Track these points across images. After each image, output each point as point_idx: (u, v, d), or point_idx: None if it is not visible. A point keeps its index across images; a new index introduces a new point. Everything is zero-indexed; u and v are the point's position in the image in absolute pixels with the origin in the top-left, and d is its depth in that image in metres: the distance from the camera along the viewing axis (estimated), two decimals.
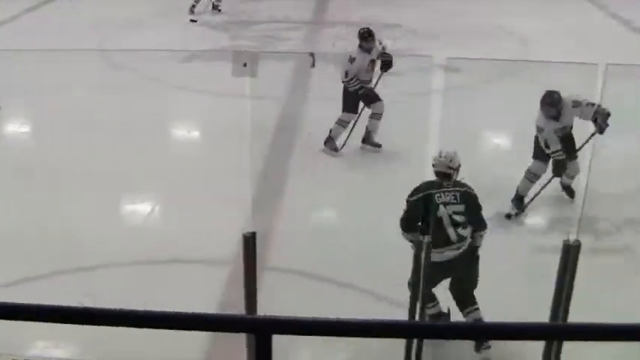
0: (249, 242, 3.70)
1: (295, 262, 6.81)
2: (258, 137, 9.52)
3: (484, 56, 12.07)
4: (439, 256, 5.34)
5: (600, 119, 7.32)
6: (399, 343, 4.70)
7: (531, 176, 7.82)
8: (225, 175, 8.22)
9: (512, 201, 7.85)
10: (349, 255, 6.93)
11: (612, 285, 6.43)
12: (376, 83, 9.26)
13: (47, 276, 6.70)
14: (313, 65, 11.35)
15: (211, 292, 6.45)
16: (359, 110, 9.29)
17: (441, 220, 5.61)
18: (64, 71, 12.08)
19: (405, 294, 4.93)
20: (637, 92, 10.63)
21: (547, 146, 7.57)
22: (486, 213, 5.91)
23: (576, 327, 2.19)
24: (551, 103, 7.60)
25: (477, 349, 5.58)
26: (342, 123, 9.32)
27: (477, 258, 5.76)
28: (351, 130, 9.29)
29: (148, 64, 12.53)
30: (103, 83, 11.92)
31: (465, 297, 5.74)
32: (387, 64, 9.15)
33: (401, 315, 4.76)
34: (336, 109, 9.37)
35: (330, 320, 2.30)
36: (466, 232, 5.68)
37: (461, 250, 5.66)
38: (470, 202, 5.74)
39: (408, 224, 5.66)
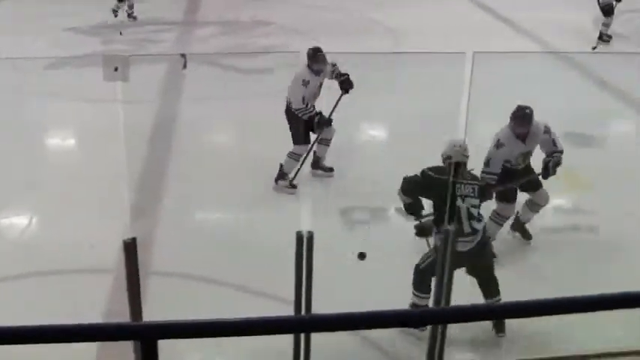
0: (130, 248, 3.64)
1: (178, 266, 6.77)
2: (133, 142, 9.35)
3: (357, 50, 12.24)
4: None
5: (552, 164, 6.65)
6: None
7: (499, 218, 7.03)
8: (103, 181, 8.08)
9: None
10: (231, 255, 6.94)
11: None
12: (335, 106, 8.32)
13: None
14: (185, 67, 11.26)
15: (96, 301, 6.31)
16: (311, 140, 8.36)
17: (459, 212, 5.63)
18: None
19: (285, 290, 4.88)
20: (503, 77, 11.03)
21: (487, 163, 6.53)
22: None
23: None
24: (524, 119, 6.61)
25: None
26: (294, 157, 8.30)
27: (490, 245, 5.94)
28: (303, 162, 8.40)
29: (8, 73, 12.01)
30: None
31: (487, 285, 5.76)
32: (346, 83, 8.19)
33: (284, 311, 4.75)
34: (210, 108, 9.26)
35: (215, 321, 2.29)
36: (480, 225, 5.73)
37: (474, 244, 5.67)
38: (483, 197, 5.88)
39: (411, 190, 5.79)
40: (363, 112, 10.31)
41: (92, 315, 6.04)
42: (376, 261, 6.29)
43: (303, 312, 3.70)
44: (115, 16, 15.22)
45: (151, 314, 3.93)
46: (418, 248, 6.17)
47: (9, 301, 6.32)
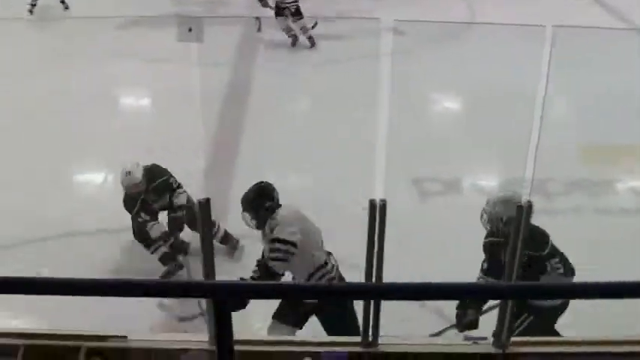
0: (205, 208, 3.69)
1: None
2: (207, 104, 9.44)
3: (431, 19, 12.08)
4: None
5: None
6: None
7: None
8: (177, 142, 8.16)
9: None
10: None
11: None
12: None
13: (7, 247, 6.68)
14: (259, 30, 11.26)
15: None
16: None
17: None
18: None
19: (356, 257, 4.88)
20: (583, 54, 10.74)
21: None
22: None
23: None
24: None
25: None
26: None
27: None
28: None
29: (80, 33, 12.12)
30: (38, 53, 11.56)
31: None
32: None
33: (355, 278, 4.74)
34: (283, 73, 9.22)
35: (283, 284, 2.35)
36: None
37: None
38: None
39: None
40: (438, 81, 10.22)
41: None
42: (446, 233, 6.27)
43: (373, 279, 3.71)
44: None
45: (221, 274, 4.00)
46: None
47: (85, 254, 6.52)
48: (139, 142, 8.62)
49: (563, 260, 5.18)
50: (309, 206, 6.87)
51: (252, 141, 8.77)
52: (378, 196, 3.60)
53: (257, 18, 11.45)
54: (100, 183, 8.03)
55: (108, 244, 6.88)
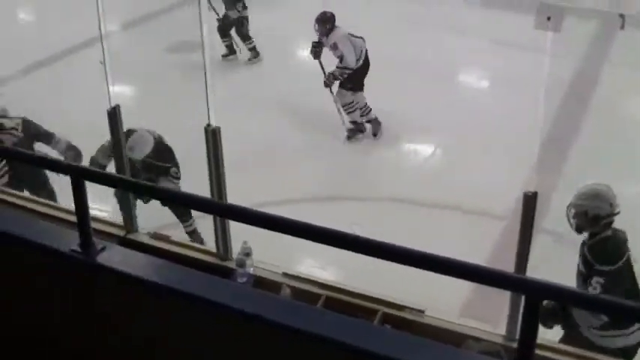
0: (530, 201, 3.53)
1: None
2: (549, 95, 9.05)
3: None
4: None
5: None
6: None
7: None
8: (513, 128, 7.96)
9: None
10: None
11: None
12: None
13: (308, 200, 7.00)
14: (622, 27, 10.61)
15: (479, 243, 6.38)
16: None
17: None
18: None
19: None
20: None
21: None
22: None
23: None
24: None
25: None
26: None
27: None
28: None
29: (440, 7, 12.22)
30: (408, 21, 11.75)
31: None
32: None
33: None
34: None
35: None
36: None
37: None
38: None
39: None
40: None
41: (471, 256, 6.09)
42: None
43: None
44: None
45: (531, 271, 3.80)
46: None
47: (392, 220, 6.60)
48: (474, 122, 8.54)
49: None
50: None
51: (588, 141, 8.32)
52: None
53: (622, 15, 10.79)
54: (428, 155, 8.09)
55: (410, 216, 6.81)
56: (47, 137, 6.58)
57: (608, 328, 4.49)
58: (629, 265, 4.58)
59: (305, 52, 8.96)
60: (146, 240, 4.82)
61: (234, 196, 4.09)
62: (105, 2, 4.40)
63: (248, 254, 4.55)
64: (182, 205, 5.71)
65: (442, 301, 5.34)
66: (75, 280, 2.84)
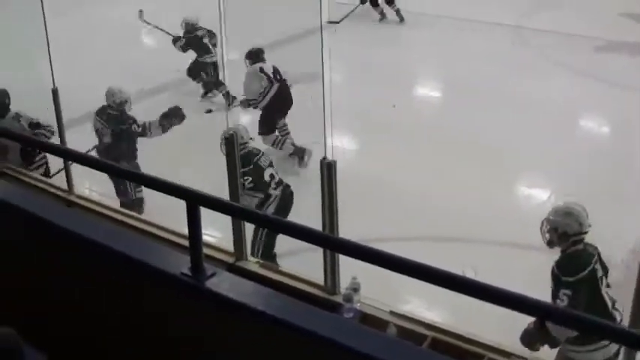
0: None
1: None
2: None
3: None
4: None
5: None
6: None
7: None
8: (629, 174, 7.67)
9: None
10: None
11: None
12: None
13: (422, 239, 6.87)
14: None
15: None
16: None
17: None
18: (474, 40, 12.06)
19: None
20: None
21: None
22: None
23: None
24: None
25: None
26: None
27: None
28: None
29: (557, 48, 11.94)
30: (506, 58, 11.51)
31: None
32: None
33: None
34: None
35: None
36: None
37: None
38: None
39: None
40: None
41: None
42: None
43: None
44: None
45: None
46: None
47: (497, 265, 6.41)
48: (592, 165, 8.26)
49: None
50: None
51: None
52: None
53: None
54: (543, 201, 7.70)
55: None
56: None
57: (578, 342, 4.53)
58: (592, 280, 4.70)
59: None
60: (255, 268, 4.88)
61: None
62: None
63: (356, 289, 4.53)
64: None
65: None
66: (183, 303, 2.88)
